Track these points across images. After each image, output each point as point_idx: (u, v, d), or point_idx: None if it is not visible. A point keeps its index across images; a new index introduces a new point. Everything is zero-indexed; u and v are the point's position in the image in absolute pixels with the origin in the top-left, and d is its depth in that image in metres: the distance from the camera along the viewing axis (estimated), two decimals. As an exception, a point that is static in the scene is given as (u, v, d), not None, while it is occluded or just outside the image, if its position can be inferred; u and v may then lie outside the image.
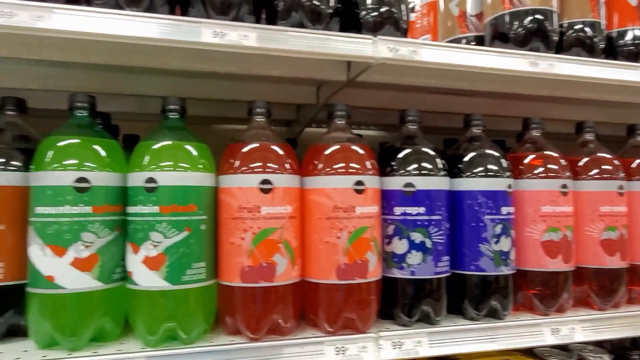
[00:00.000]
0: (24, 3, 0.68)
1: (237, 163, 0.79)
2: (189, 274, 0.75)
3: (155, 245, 0.73)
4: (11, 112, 0.83)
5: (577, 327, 0.94)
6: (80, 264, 0.72)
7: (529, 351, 1.08)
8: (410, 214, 0.86)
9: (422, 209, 0.86)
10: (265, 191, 0.77)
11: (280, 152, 0.81)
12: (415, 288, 0.86)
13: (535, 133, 1.02)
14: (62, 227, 0.71)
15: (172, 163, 0.75)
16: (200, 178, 0.77)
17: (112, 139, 0.80)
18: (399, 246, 0.86)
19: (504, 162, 0.93)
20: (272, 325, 0.79)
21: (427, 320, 0.88)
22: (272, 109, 0.86)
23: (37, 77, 1.00)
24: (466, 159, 0.93)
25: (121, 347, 0.75)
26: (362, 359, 0.80)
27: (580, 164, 1.03)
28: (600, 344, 1.14)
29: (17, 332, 0.78)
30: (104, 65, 0.88)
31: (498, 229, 0.90)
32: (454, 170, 0.93)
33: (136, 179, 0.75)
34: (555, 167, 0.96)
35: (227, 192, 0.78)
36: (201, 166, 0.78)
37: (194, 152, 0.78)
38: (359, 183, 0.81)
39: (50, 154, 0.73)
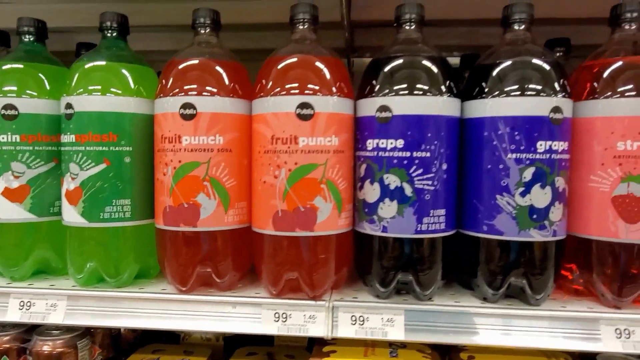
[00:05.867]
0: None
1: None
2: (109, 211, 0.67)
3: (73, 178, 0.67)
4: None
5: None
6: (10, 195, 0.70)
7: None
8: (384, 149, 0.62)
9: (400, 142, 0.61)
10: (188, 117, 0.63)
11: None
12: (389, 250, 0.63)
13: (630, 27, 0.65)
14: (-7, 156, 0.69)
15: (89, 87, 0.66)
16: (123, 103, 0.67)
17: (59, 64, 0.75)
18: (370, 193, 0.64)
19: (551, 74, 0.61)
20: (207, 278, 0.67)
21: (412, 293, 0.65)
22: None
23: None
24: (489, 73, 0.63)
25: (55, 282, 0.72)
26: (307, 331, 0.63)
27: None
28: None
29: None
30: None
31: (528, 173, 0.60)
32: (471, 90, 0.64)
33: (60, 105, 0.69)
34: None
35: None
36: (124, 90, 0.67)
37: (122, 74, 0.67)
38: (305, 106, 0.61)
39: (-13, 80, 0.71)
